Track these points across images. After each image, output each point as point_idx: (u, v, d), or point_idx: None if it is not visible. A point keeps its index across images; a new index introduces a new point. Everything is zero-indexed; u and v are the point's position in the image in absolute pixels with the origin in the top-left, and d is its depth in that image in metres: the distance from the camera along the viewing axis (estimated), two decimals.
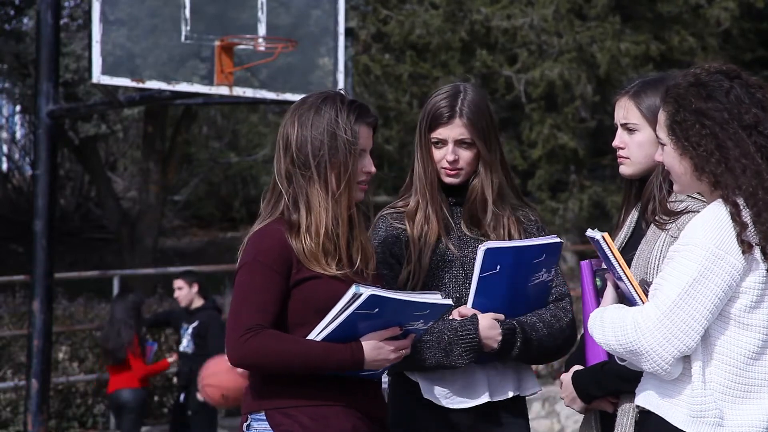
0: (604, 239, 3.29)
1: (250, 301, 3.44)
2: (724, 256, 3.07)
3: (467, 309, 3.76)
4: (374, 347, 3.42)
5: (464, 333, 3.71)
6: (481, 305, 3.75)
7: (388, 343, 3.44)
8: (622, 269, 3.27)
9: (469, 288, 3.80)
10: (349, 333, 3.41)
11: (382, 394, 3.66)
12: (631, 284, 3.27)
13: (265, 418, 3.48)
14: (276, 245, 3.47)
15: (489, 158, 3.90)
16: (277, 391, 3.48)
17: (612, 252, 3.28)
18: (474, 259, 3.81)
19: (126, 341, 10.35)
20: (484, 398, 3.82)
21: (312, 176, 3.50)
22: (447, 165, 3.87)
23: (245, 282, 3.47)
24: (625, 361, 3.28)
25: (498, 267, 3.70)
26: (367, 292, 3.32)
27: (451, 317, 3.78)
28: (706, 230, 3.10)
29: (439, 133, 3.87)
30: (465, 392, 3.81)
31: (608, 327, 3.17)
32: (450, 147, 3.87)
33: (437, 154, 3.88)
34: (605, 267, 3.47)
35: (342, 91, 3.66)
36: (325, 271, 3.47)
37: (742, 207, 3.10)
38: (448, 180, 3.89)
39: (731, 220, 3.10)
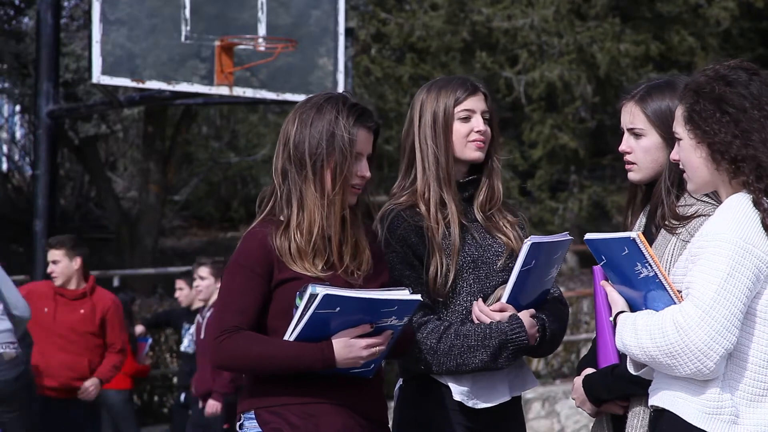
0: (639, 237, 3.24)
1: (229, 303, 3.47)
2: (752, 249, 3.07)
3: (506, 305, 3.77)
4: (345, 345, 3.43)
5: (515, 336, 3.73)
6: (512, 300, 3.78)
7: (359, 340, 3.44)
8: (658, 267, 3.24)
9: (491, 284, 3.83)
10: (320, 332, 3.42)
11: (380, 393, 3.66)
12: (667, 284, 3.24)
13: (254, 416, 3.51)
14: (257, 247, 3.49)
15: (499, 139, 3.93)
16: (267, 391, 3.50)
17: (647, 251, 3.24)
18: (494, 253, 3.85)
19: None
20: (506, 396, 3.85)
21: (307, 175, 3.51)
22: (477, 136, 3.87)
23: (226, 284, 3.52)
24: (642, 369, 3.26)
25: (533, 262, 3.72)
26: (322, 292, 3.33)
27: (483, 312, 3.77)
28: (731, 224, 3.09)
29: (467, 104, 3.86)
30: (488, 391, 3.83)
31: (643, 332, 3.14)
32: (479, 118, 3.87)
33: (464, 128, 3.86)
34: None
35: (347, 94, 3.67)
36: (307, 271, 3.48)
37: (763, 194, 3.10)
38: (476, 154, 3.87)
39: (754, 208, 3.10)
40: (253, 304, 3.46)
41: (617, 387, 3.51)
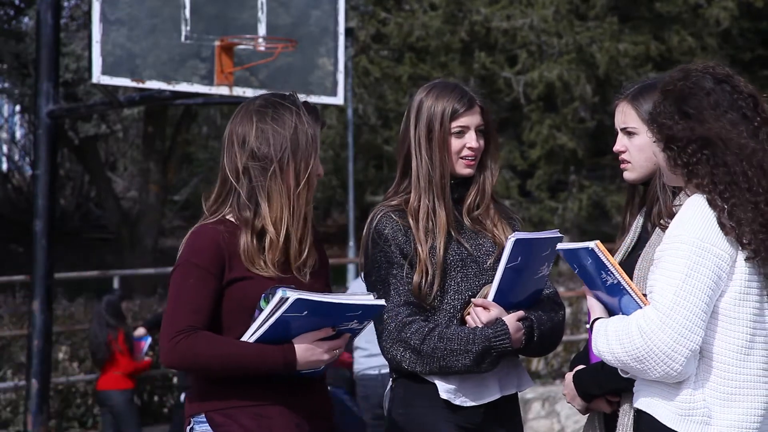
0: (597, 247, 3.27)
1: (183, 303, 3.44)
2: (710, 248, 3.08)
3: (491, 303, 3.77)
4: (306, 349, 3.42)
5: (498, 342, 3.72)
6: (499, 298, 3.77)
7: (321, 343, 3.44)
8: (620, 274, 3.26)
9: (480, 283, 3.82)
10: (281, 334, 3.41)
11: (327, 391, 3.66)
12: (631, 289, 3.26)
13: (205, 420, 3.47)
14: (210, 245, 3.47)
15: (495, 149, 3.93)
16: (218, 393, 3.47)
17: (608, 259, 3.26)
18: (484, 252, 3.84)
19: (101, 341, 10.37)
20: (496, 394, 3.84)
21: (274, 171, 3.50)
22: (469, 153, 3.86)
23: (179, 283, 3.47)
24: (628, 374, 3.28)
25: (519, 258, 3.70)
26: (293, 296, 3.32)
27: (472, 311, 3.78)
28: (688, 225, 3.11)
29: (462, 120, 3.86)
30: (478, 390, 3.82)
31: (613, 338, 3.16)
32: (473, 134, 3.87)
33: (456, 144, 3.86)
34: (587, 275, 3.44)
35: (293, 93, 3.68)
36: (261, 270, 3.47)
37: (717, 195, 3.12)
38: (466, 171, 3.88)
39: (710, 208, 3.11)
40: (207, 303, 3.44)
41: (607, 382, 3.52)
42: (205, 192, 3.65)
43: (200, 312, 3.43)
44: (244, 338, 3.43)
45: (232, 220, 3.53)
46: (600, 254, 3.26)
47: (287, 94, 3.63)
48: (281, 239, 3.49)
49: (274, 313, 3.36)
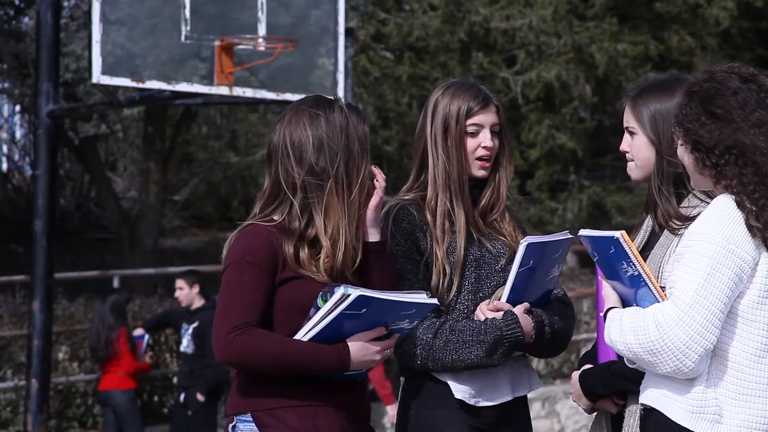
0: (623, 237, 3.28)
1: (237, 300, 3.44)
2: (734, 249, 3.09)
3: (503, 304, 3.77)
4: (361, 348, 3.43)
5: (509, 332, 3.72)
6: (512, 300, 3.78)
7: (374, 343, 3.45)
8: (642, 267, 3.28)
9: (492, 284, 3.83)
10: (335, 333, 3.41)
11: (365, 394, 3.66)
12: (651, 283, 3.27)
13: (251, 419, 3.47)
14: (265, 244, 3.48)
15: (509, 149, 3.92)
16: (264, 392, 3.47)
17: (632, 250, 3.28)
18: (496, 254, 3.85)
19: (102, 340, 10.38)
20: (508, 395, 3.85)
21: (329, 182, 3.50)
22: (484, 153, 3.86)
23: (233, 280, 3.47)
24: (635, 364, 3.28)
25: (531, 262, 3.72)
26: (355, 293, 3.32)
27: (483, 312, 3.78)
28: (715, 224, 3.12)
29: (477, 119, 3.85)
30: (490, 390, 3.83)
31: (627, 329, 3.18)
32: (488, 133, 3.86)
33: (471, 143, 3.86)
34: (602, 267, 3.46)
35: (336, 96, 3.67)
36: (312, 275, 3.48)
37: (745, 196, 3.13)
38: (480, 173, 3.87)
39: (738, 209, 3.12)
40: (261, 301, 3.44)
41: (612, 383, 3.54)
42: (258, 197, 3.63)
43: (254, 309, 3.43)
44: (298, 336, 3.42)
45: (281, 222, 3.53)
46: (624, 245, 3.28)
47: (330, 97, 3.61)
48: (338, 250, 3.49)
49: (333, 311, 3.36)
